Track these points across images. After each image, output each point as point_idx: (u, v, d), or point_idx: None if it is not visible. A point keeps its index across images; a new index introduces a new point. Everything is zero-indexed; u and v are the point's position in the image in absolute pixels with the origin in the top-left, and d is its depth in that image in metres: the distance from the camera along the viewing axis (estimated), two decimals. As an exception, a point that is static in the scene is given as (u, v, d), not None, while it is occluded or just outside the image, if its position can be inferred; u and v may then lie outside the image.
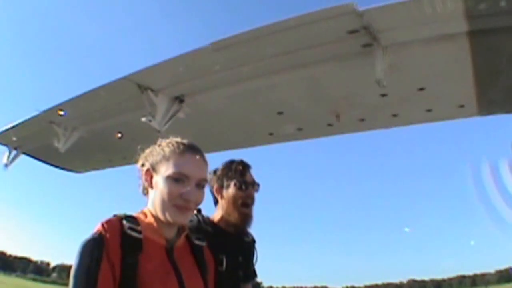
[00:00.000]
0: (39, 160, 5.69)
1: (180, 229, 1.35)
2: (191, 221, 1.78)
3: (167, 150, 1.31)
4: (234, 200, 1.90)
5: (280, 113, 3.78)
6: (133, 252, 1.17)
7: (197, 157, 1.31)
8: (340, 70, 3.26)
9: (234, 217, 1.90)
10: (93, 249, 1.13)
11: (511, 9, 2.87)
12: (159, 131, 3.35)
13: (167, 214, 1.24)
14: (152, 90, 3.48)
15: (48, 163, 5.69)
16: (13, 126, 4.85)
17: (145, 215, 1.30)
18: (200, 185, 1.28)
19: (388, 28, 2.89)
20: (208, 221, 1.90)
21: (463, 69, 3.43)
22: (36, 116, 4.55)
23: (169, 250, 1.29)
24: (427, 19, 2.91)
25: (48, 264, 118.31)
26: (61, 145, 4.60)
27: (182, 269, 1.28)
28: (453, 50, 3.24)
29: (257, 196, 1.97)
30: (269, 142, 4.25)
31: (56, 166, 5.77)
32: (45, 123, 4.59)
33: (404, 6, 2.73)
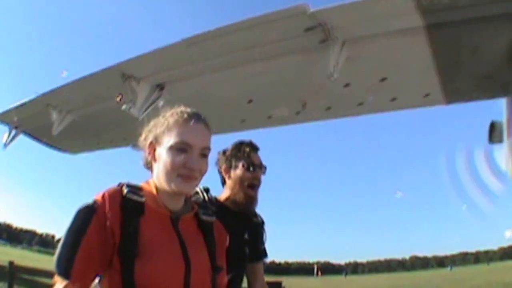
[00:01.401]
0: (36, 140, 6.02)
1: (189, 205, 1.36)
2: (196, 198, 2.01)
3: (170, 120, 1.30)
4: (241, 181, 1.95)
5: (250, 101, 4.06)
6: (134, 214, 1.19)
7: (200, 125, 1.30)
8: (302, 62, 3.52)
9: (239, 197, 1.95)
10: (85, 215, 1.17)
11: (466, 3, 3.03)
12: (137, 119, 3.66)
13: (172, 185, 1.24)
14: (134, 78, 3.78)
15: (44, 143, 6.02)
16: (15, 107, 5.17)
17: (149, 186, 1.31)
18: (204, 154, 1.28)
19: (342, 25, 3.11)
20: (214, 200, 1.95)
21: (424, 61, 3.60)
22: (34, 99, 4.86)
23: (174, 220, 1.28)
24: (380, 16, 3.12)
25: (53, 236, 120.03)
26: (55, 127, 4.96)
27: (187, 241, 1.26)
28: (412, 43, 3.42)
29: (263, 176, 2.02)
30: (242, 129, 4.53)
31: (51, 146, 6.10)
32: (42, 106, 4.92)
33: (354, 5, 2.96)
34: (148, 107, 3.90)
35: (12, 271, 6.91)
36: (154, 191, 1.29)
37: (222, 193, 2.03)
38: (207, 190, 1.96)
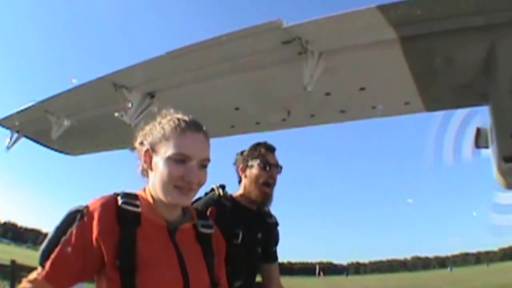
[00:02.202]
0: (38, 143, 6.27)
1: (188, 214, 1.32)
2: (212, 194, 1.95)
3: (167, 128, 1.24)
4: (256, 179, 1.99)
5: (237, 108, 4.28)
6: (130, 226, 1.15)
7: (199, 135, 1.24)
8: (283, 72, 3.71)
9: (254, 194, 1.98)
10: (72, 218, 1.17)
11: (437, 16, 3.17)
12: (130, 125, 3.88)
13: (168, 197, 1.20)
14: (126, 88, 4.01)
15: (45, 146, 6.27)
16: (16, 113, 5.43)
17: (145, 194, 1.27)
18: (203, 165, 1.23)
19: (317, 38, 3.30)
20: (229, 197, 1.99)
21: (400, 71, 3.74)
22: (33, 106, 5.11)
23: (172, 231, 1.24)
24: (353, 30, 3.29)
25: None
26: (54, 132, 5.20)
27: (184, 253, 1.22)
28: (387, 54, 3.57)
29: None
30: (232, 134, 4.77)
31: (52, 149, 6.35)
32: (40, 112, 5.17)
33: (326, 20, 3.15)
34: (140, 114, 4.12)
35: (14, 270, 7.07)
36: (151, 200, 1.25)
37: (237, 191, 2.07)
38: (223, 187, 2.01)
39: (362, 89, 4.10)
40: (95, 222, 1.14)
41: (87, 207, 1.18)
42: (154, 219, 1.22)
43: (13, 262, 6.95)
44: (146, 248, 1.15)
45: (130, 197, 1.22)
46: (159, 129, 1.26)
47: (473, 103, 4.48)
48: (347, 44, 3.49)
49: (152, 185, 1.26)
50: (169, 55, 3.40)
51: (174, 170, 1.19)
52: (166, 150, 1.21)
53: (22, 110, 5.30)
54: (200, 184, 1.25)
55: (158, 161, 1.22)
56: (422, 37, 3.35)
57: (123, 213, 1.17)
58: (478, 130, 4.89)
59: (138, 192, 1.29)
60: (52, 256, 1.15)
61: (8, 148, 6.02)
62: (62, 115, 5.09)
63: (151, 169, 1.26)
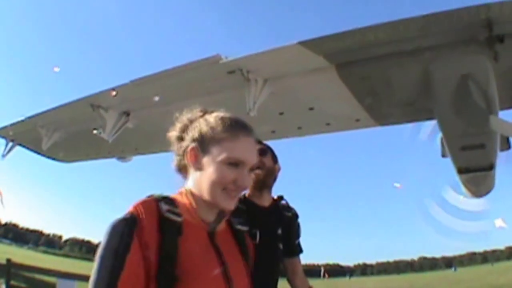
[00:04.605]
0: (32, 150, 6.80)
1: (221, 213, 1.24)
2: None
3: (218, 128, 1.19)
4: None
5: None
6: (172, 236, 1.09)
7: (251, 139, 1.22)
8: (237, 96, 4.03)
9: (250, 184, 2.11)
10: (124, 230, 1.04)
11: (365, 44, 3.41)
12: (108, 141, 4.40)
13: (216, 199, 1.16)
14: (102, 108, 4.54)
15: (39, 153, 6.80)
16: (10, 125, 5.99)
17: (183, 197, 1.21)
18: (251, 169, 1.21)
19: (256, 69, 3.73)
20: (243, 198, 1.94)
21: (343, 93, 4.03)
22: (22, 121, 5.68)
23: (211, 234, 1.21)
24: (287, 60, 3.64)
25: (60, 237, 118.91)
26: (44, 143, 5.75)
27: (225, 253, 1.20)
28: (326, 79, 3.87)
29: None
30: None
31: (45, 156, 6.90)
32: (32, 125, 5.72)
33: (260, 55, 3.59)
34: (117, 131, 4.65)
35: (9, 268, 7.48)
36: (193, 203, 1.19)
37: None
38: None
39: (311, 109, 4.50)
40: (145, 230, 1.05)
41: (133, 214, 1.07)
42: (195, 224, 1.17)
43: (8, 260, 7.39)
44: (188, 258, 1.09)
45: (172, 204, 1.14)
46: (206, 127, 1.20)
47: (422, 118, 4.69)
48: (287, 72, 3.88)
49: (196, 184, 1.19)
50: (133, 83, 3.93)
51: (227, 174, 1.15)
52: (219, 153, 1.15)
53: (15, 123, 5.86)
54: (247, 188, 1.24)
55: (208, 162, 1.17)
56: (355, 63, 3.66)
57: (166, 223, 1.09)
58: (442, 141, 5.21)
59: (174, 196, 1.21)
60: (121, 284, 0.98)
61: (3, 156, 6.58)
62: (51, 128, 5.65)
63: (197, 167, 1.19)
